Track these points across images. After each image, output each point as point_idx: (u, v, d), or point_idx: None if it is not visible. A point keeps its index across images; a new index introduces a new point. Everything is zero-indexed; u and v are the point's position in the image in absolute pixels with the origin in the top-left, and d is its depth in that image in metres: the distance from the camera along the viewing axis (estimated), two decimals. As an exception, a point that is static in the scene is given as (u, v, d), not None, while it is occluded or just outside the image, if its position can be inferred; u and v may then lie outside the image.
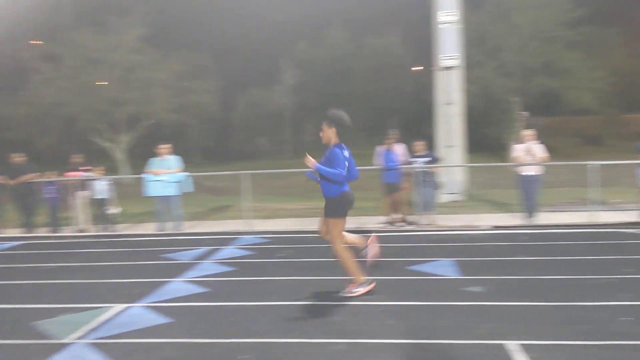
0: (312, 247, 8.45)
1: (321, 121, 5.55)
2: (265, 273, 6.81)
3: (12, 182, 10.85)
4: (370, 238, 5.95)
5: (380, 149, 10.34)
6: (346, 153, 5.47)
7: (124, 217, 12.77)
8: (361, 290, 5.62)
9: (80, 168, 11.03)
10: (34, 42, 28.60)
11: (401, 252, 7.86)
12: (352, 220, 11.08)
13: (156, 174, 10.42)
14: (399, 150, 10.46)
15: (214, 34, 41.55)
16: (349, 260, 5.59)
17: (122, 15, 25.67)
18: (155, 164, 10.61)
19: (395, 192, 10.08)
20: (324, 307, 5.31)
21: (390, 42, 41.24)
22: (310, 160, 5.45)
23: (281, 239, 9.37)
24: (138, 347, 4.43)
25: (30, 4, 29.35)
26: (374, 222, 10.60)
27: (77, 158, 11.29)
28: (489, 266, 6.83)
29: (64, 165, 11.91)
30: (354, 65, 40.20)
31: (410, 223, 10.18)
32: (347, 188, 5.55)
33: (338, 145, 5.48)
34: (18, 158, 11.00)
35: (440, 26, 14.08)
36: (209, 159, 39.37)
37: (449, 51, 13.98)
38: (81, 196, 10.98)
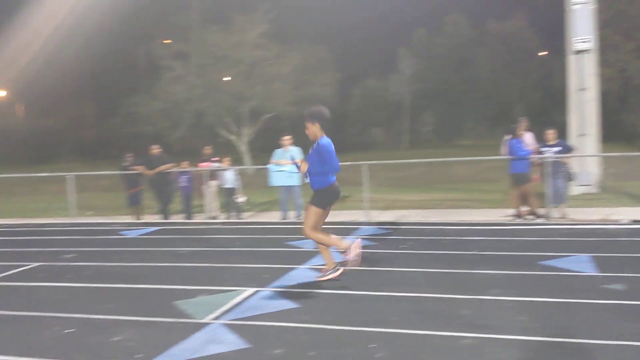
0: (435, 239, 8.30)
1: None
2: (388, 264, 6.80)
3: (149, 172, 11.69)
4: (355, 243, 5.92)
5: (507, 138, 9.90)
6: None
7: (249, 206, 13.35)
8: (330, 275, 5.98)
9: (212, 159, 11.69)
10: (166, 41, 30.65)
11: (531, 246, 7.49)
12: (476, 213, 10.83)
13: (280, 165, 10.76)
14: (528, 139, 9.95)
15: (332, 26, 42.02)
16: (323, 243, 5.96)
17: (246, 13, 26.75)
18: (278, 155, 10.96)
19: (524, 183, 9.61)
20: (450, 300, 5.20)
21: (515, 27, 39.28)
22: (303, 168, 5.94)
23: (402, 230, 9.30)
24: (270, 330, 4.61)
25: (163, 5, 31.48)
26: (501, 214, 10.20)
27: (208, 150, 11.96)
28: (630, 263, 6.31)
29: (191, 157, 12.71)
30: (476, 52, 38.80)
31: (540, 216, 9.66)
32: (334, 180, 5.93)
33: (325, 139, 5.83)
34: (155, 150, 11.84)
35: (572, 7, 13.17)
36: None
37: (582, 33, 13.05)
38: (212, 185, 11.62)
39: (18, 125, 45.69)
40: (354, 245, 5.87)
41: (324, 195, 5.89)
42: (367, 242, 8.23)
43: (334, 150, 5.81)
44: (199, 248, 8.37)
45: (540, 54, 39.54)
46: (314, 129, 5.91)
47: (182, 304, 5.41)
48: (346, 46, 44.35)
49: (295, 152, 10.93)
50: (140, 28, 39.63)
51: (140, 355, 4.17)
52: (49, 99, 47.57)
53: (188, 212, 11.86)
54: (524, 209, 9.78)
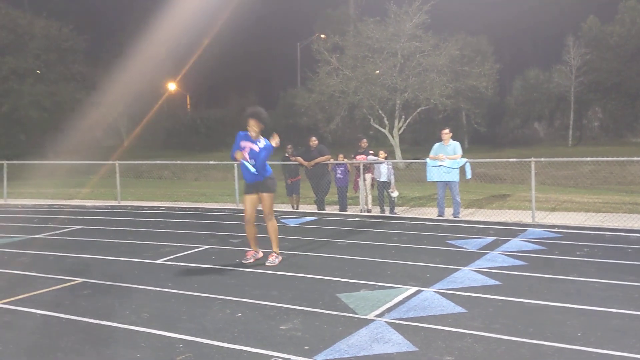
0: (617, 246, 7.47)
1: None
2: (562, 271, 6.22)
3: (308, 163, 11.96)
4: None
5: None
6: None
7: (402, 200, 13.15)
8: (278, 260, 6.84)
9: (368, 152, 11.66)
10: (322, 36, 31.36)
11: None
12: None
13: (439, 160, 10.41)
14: None
15: (491, 15, 40.11)
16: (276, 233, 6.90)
17: (402, 5, 26.45)
18: (437, 149, 10.61)
19: None
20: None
21: None
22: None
23: (575, 234, 8.51)
24: (437, 334, 4.39)
25: (322, 0, 32.22)
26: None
27: (364, 142, 11.95)
28: None
29: (343, 149, 12.80)
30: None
31: None
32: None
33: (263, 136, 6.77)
34: (314, 141, 12.08)
35: None
36: (477, 144, 38.36)
37: None
38: (367, 178, 11.60)
39: (187, 115, 49.83)
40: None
41: (274, 182, 6.96)
42: (536, 247, 7.64)
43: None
44: (357, 241, 8.35)
45: None
46: (257, 128, 6.74)
47: (345, 297, 5.38)
48: (506, 35, 42.12)
49: (456, 146, 10.50)
50: (300, 23, 41.09)
51: (307, 347, 4.18)
52: (214, 91, 51.24)
53: (342, 204, 11.96)
54: None
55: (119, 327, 4.70)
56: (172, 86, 46.14)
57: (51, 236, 9.33)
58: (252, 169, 6.70)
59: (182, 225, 10.25)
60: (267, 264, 6.73)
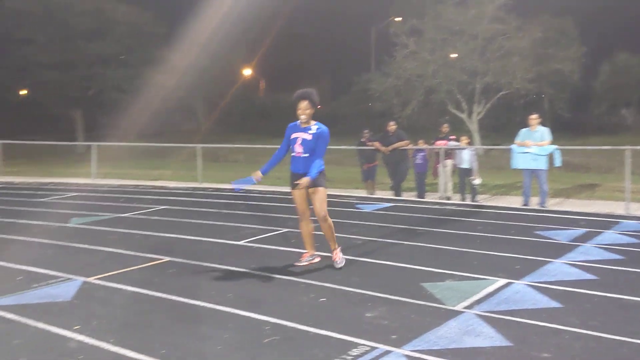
0: None
1: None
2: (666, 268, 5.78)
3: (385, 148, 11.77)
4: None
5: None
6: None
7: (484, 188, 12.72)
8: (341, 255, 6.07)
9: (449, 138, 11.33)
10: (397, 19, 30.77)
11: None
12: None
13: (526, 146, 9.95)
14: None
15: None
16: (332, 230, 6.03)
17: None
18: (524, 134, 10.14)
19: None
20: None
21: None
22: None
23: (676, 228, 7.91)
24: (532, 329, 4.17)
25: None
26: None
27: (445, 127, 11.62)
28: None
29: (419, 134, 12.49)
30: None
31: None
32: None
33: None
34: (392, 126, 11.86)
35: None
36: (560, 131, 36.52)
37: None
38: (447, 164, 11.29)
39: (260, 100, 50.51)
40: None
41: (323, 176, 5.92)
42: (632, 240, 7.16)
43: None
44: (437, 229, 8.13)
45: None
46: (310, 112, 5.82)
47: (430, 287, 5.23)
48: (593, 17, 39.78)
49: (544, 132, 10.01)
50: (374, 7, 40.56)
51: (395, 337, 4.07)
52: (287, 76, 51.63)
53: (421, 190, 11.70)
54: None
55: (206, 307, 4.76)
56: (247, 71, 46.85)
57: (137, 215, 9.67)
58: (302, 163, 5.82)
59: (261, 208, 10.35)
60: (337, 266, 5.95)
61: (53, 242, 7.43)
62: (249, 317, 4.50)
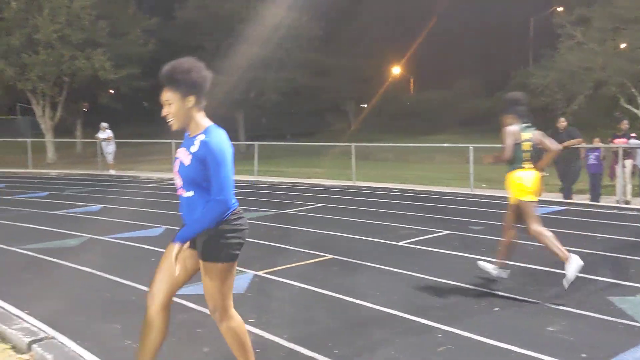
0: None
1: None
2: None
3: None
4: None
5: None
6: None
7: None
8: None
9: (631, 135, 10.21)
10: (559, 8, 28.62)
11: None
12: None
13: None
14: None
15: None
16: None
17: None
18: None
19: None
20: None
21: None
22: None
23: None
24: None
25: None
26: None
27: (624, 124, 10.49)
28: None
29: (586, 132, 11.34)
30: None
31: None
32: None
33: None
34: (562, 123, 10.95)
35: None
36: None
37: None
38: (627, 165, 10.18)
39: (409, 98, 49.98)
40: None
41: None
42: None
43: None
44: (617, 236, 7.34)
45: None
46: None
47: (618, 302, 4.68)
48: None
49: None
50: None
51: (585, 355, 3.66)
52: (437, 73, 50.53)
53: (595, 193, 10.68)
54: None
55: (372, 307, 4.69)
56: (396, 70, 46.66)
57: (297, 212, 9.96)
58: None
59: (416, 208, 10.13)
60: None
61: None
62: (417, 322, 4.34)
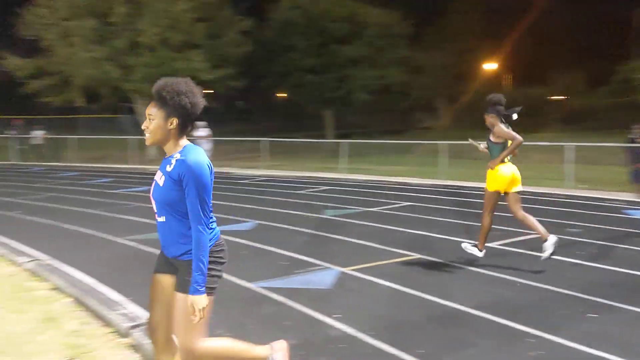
0: None
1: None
2: None
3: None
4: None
5: None
6: None
7: None
8: None
9: None
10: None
11: None
12: None
13: None
14: None
15: None
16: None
17: None
18: None
19: None
20: None
21: None
22: None
23: None
24: None
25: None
26: None
27: None
28: None
29: None
30: None
31: None
32: None
33: None
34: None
35: None
36: None
37: None
38: None
39: (506, 95, 48.19)
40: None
41: None
42: None
43: None
44: None
45: None
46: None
47: None
48: None
49: None
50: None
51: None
52: (534, 68, 48.38)
53: None
54: None
55: (459, 309, 4.62)
56: (491, 65, 45.19)
57: (384, 210, 9.94)
58: None
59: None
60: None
61: (310, 231, 8.02)
62: (507, 326, 4.23)
